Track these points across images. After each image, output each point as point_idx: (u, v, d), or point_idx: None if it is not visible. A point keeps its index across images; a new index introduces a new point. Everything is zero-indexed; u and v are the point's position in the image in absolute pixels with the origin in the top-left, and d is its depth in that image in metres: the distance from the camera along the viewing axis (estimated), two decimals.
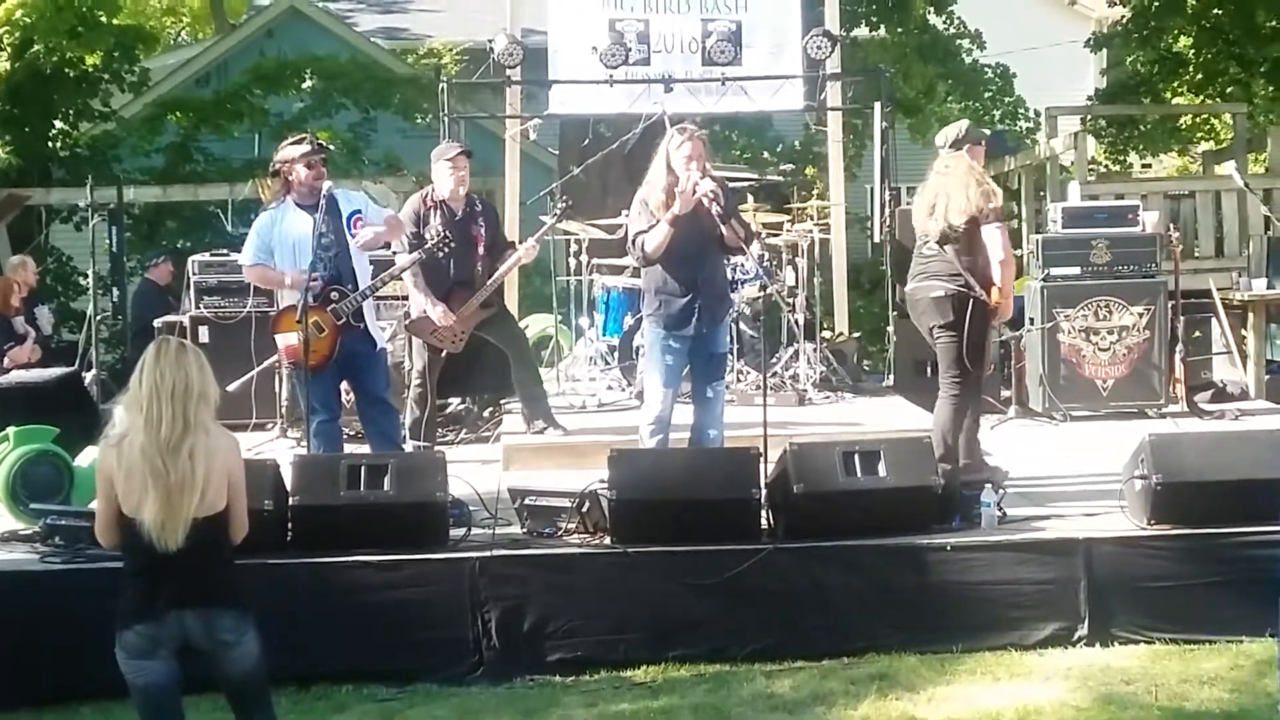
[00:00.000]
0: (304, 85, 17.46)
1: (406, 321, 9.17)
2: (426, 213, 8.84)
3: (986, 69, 19.68)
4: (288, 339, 7.61)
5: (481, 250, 8.94)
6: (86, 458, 7.59)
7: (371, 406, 7.86)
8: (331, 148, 8.03)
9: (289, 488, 6.62)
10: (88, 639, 6.17)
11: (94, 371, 11.21)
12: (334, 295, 7.61)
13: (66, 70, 16.48)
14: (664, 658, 6.38)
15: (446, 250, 8.45)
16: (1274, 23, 17.08)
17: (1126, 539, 6.67)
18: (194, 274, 10.66)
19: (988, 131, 8.14)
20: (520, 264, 9.27)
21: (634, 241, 7.45)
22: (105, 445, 4.49)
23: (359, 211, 7.76)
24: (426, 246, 8.34)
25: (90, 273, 11.70)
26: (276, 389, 10.00)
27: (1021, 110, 20.09)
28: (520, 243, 9.36)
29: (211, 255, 10.94)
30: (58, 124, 16.60)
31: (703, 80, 11.31)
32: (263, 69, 17.78)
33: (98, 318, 11.66)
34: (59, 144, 16.61)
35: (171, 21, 30.75)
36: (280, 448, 9.12)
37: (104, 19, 16.20)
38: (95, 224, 12.03)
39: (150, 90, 18.61)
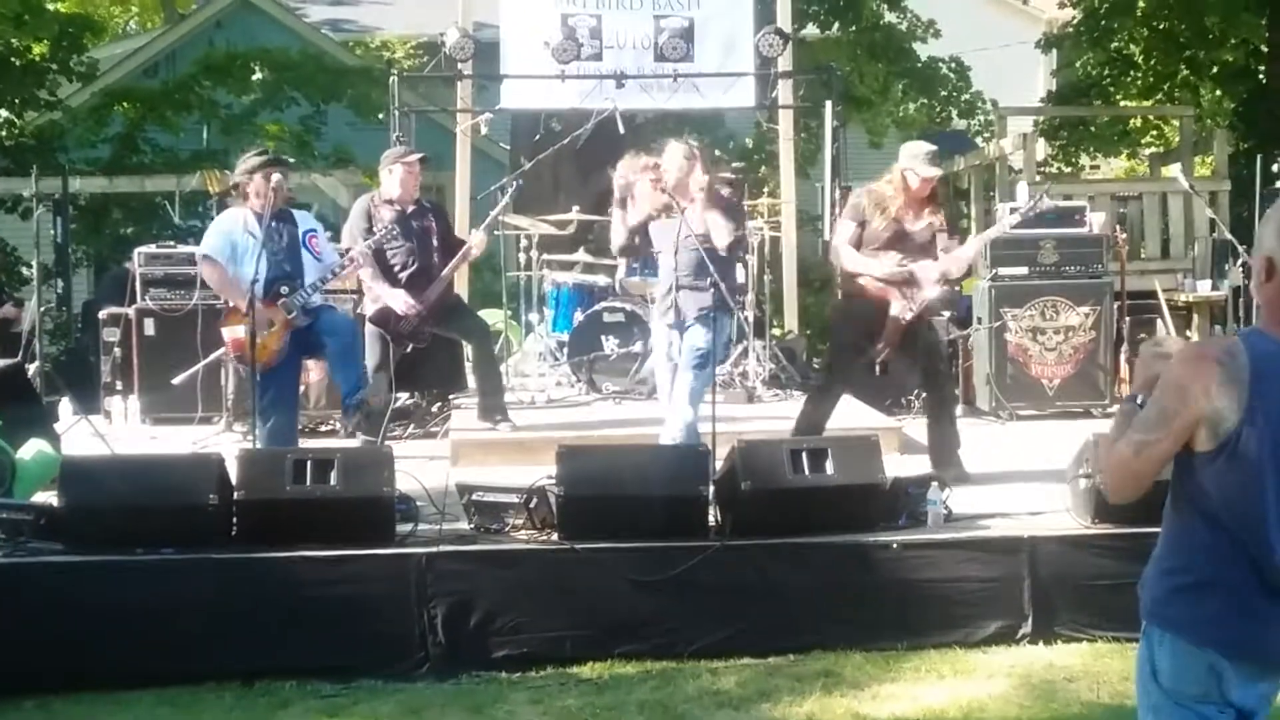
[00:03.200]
0: (254, 77, 17.32)
1: (369, 316, 9.11)
2: (376, 212, 8.84)
3: (941, 64, 19.78)
4: (234, 332, 7.58)
5: (435, 242, 8.93)
6: (29, 450, 7.51)
7: (344, 362, 8.00)
8: (290, 160, 8.19)
9: (234, 482, 6.57)
10: (29, 632, 6.14)
11: (38, 363, 11.09)
12: (283, 290, 7.61)
13: (12, 59, 16.30)
14: (611, 654, 6.37)
15: (393, 240, 8.49)
16: (1223, 26, 17.24)
17: (1070, 538, 6.71)
18: (140, 266, 10.56)
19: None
20: (471, 257, 9.24)
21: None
22: None
23: (313, 230, 7.93)
24: (375, 238, 8.36)
25: (35, 263, 11.59)
26: (222, 383, 9.92)
27: (980, 105, 20.21)
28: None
29: (158, 247, 10.84)
30: (3, 113, 16.42)
31: (655, 76, 11.32)
32: (212, 60, 17.63)
33: (42, 309, 11.54)
34: (4, 133, 16.44)
35: (120, 11, 30.45)
36: (225, 442, 9.06)
37: (49, 6, 16.03)
38: (40, 214, 11.92)
39: (97, 80, 18.43)
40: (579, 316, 10.42)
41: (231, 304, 7.74)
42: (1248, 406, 3.21)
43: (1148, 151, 20.72)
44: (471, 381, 9.62)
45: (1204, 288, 12.22)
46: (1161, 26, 17.96)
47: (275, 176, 7.72)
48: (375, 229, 8.67)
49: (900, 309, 7.72)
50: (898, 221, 7.76)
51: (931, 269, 7.73)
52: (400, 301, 8.64)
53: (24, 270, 15.40)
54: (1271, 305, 3.26)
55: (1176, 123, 17.76)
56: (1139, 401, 3.42)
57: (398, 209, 8.83)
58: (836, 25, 18.49)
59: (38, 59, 16.72)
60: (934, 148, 7.86)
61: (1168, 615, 3.36)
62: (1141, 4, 18.17)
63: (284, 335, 7.61)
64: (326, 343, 7.93)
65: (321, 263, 7.92)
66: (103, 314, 11.07)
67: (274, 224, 7.70)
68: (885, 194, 7.81)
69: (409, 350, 8.94)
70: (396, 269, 8.79)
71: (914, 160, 7.79)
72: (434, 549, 6.46)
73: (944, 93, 20.01)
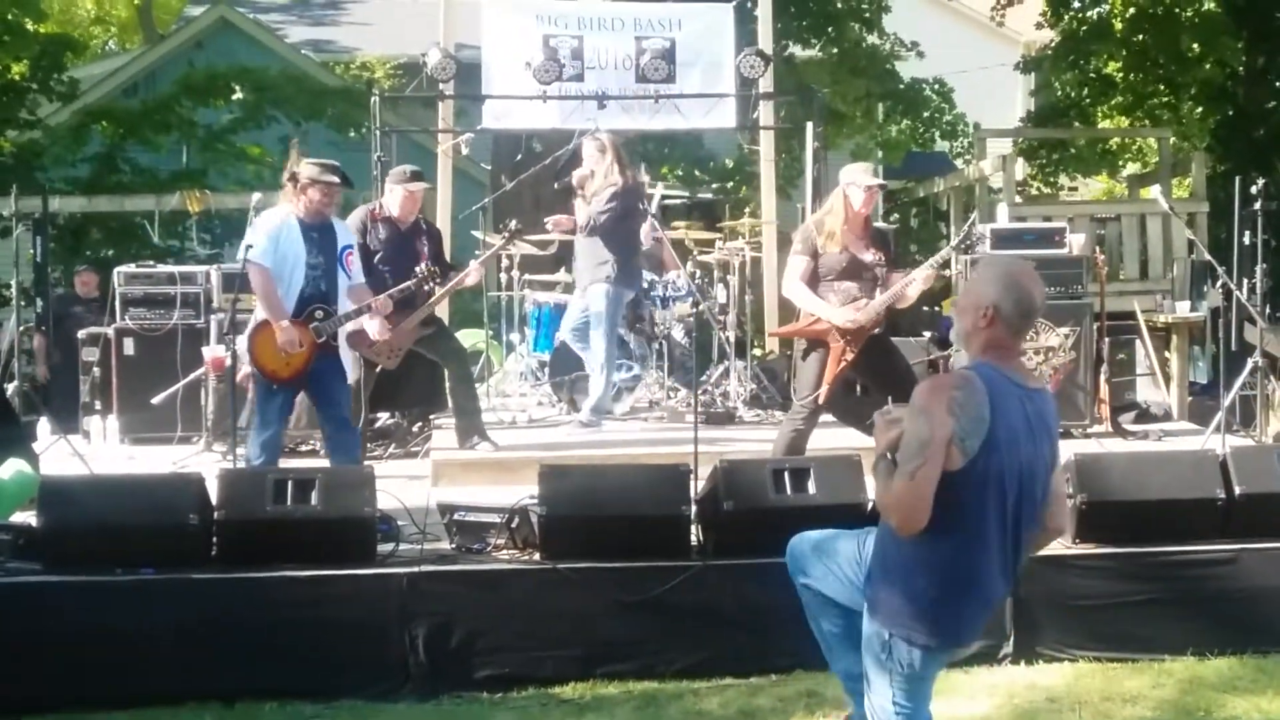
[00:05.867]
0: (234, 96, 17.30)
1: (345, 336, 9.09)
2: (374, 225, 8.88)
3: (924, 85, 19.87)
4: (215, 351, 7.56)
5: (423, 268, 8.93)
6: (7, 470, 7.47)
7: (338, 429, 7.87)
8: (351, 182, 8.05)
9: (214, 501, 6.54)
10: (6, 653, 6.10)
11: (15, 383, 11.05)
12: (318, 314, 7.63)
13: None
14: (592, 674, 6.36)
15: (433, 284, 8.50)
16: (1200, 49, 17.36)
17: (1051, 558, 6.70)
18: (119, 285, 10.53)
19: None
20: (464, 287, 9.26)
21: None
22: None
23: (350, 247, 7.88)
24: (418, 278, 8.37)
25: (14, 283, 11.54)
26: (202, 402, 9.89)
27: (962, 126, 20.30)
28: (455, 260, 9.36)
29: (137, 267, 10.80)
30: None
31: (636, 97, 11.34)
32: (192, 80, 17.60)
33: (20, 328, 11.49)
34: None
35: (100, 31, 30.41)
36: (205, 461, 9.02)
37: (29, 26, 15.99)
38: (19, 234, 11.87)
39: (77, 99, 18.38)
40: (559, 337, 10.41)
41: (262, 317, 7.64)
42: (990, 425, 3.88)
43: (1126, 173, 20.82)
44: (450, 403, 9.61)
45: (1183, 309, 12.26)
46: (1139, 47, 18.05)
47: (334, 189, 7.69)
48: (369, 242, 8.78)
49: (840, 350, 7.74)
50: (850, 251, 7.74)
51: (871, 307, 7.71)
52: (374, 328, 8.56)
53: (2, 291, 15.34)
54: (990, 345, 4.04)
55: (1154, 144, 17.85)
56: (890, 459, 4.10)
57: (393, 226, 8.93)
58: (818, 46, 18.55)
59: (17, 78, 16.66)
60: (871, 167, 7.90)
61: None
62: (1119, 26, 18.28)
63: (310, 357, 7.61)
64: (325, 415, 7.89)
65: (350, 282, 7.85)
66: (82, 334, 11.03)
67: (315, 235, 7.65)
68: (828, 220, 7.80)
69: (388, 370, 8.94)
70: (379, 291, 8.76)
71: (852, 176, 7.79)
72: (415, 569, 6.45)
73: (926, 114, 20.12)
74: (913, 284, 7.70)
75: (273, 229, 7.66)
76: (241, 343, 7.75)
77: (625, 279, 9.56)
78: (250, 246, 7.65)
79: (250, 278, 7.69)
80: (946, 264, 14.59)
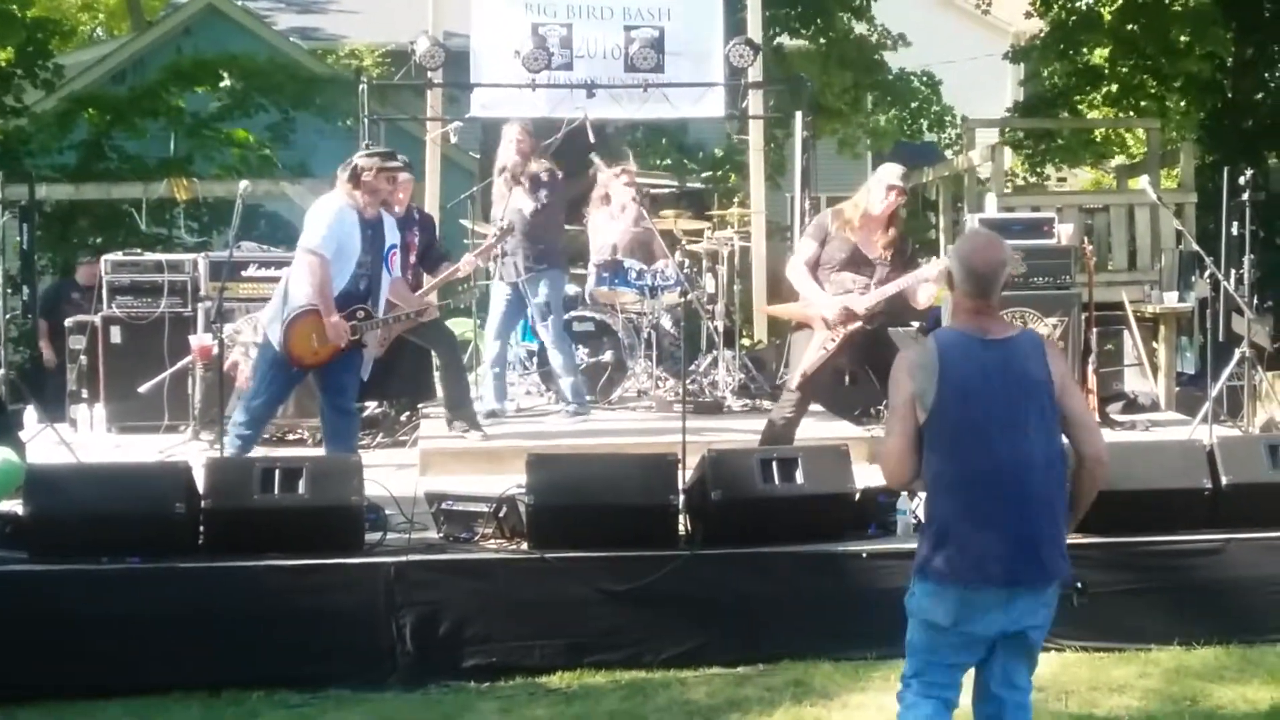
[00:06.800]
0: (222, 84, 17.22)
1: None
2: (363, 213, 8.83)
3: (913, 77, 19.86)
4: (201, 340, 7.52)
5: (413, 258, 8.93)
6: None
7: (339, 415, 7.81)
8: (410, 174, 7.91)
9: (201, 490, 6.54)
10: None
11: (3, 371, 11.00)
12: (359, 314, 7.58)
13: None
14: (580, 664, 6.36)
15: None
16: (1189, 39, 17.36)
17: None
18: (107, 273, 10.50)
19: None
20: (457, 278, 9.25)
21: None
22: None
23: (395, 247, 7.79)
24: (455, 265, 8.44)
25: (0, 270, 11.50)
26: (189, 390, 9.87)
27: (949, 118, 20.30)
28: (444, 249, 9.36)
29: (125, 254, 10.77)
30: None
31: (625, 86, 11.32)
32: (179, 67, 17.51)
33: (7, 316, 11.45)
34: None
35: (87, 17, 30.28)
36: (193, 450, 9.00)
37: (15, 11, 15.91)
38: (5, 221, 11.82)
39: (64, 86, 18.29)
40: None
41: (305, 306, 7.48)
42: (939, 379, 4.34)
43: (1114, 163, 20.82)
44: (440, 390, 9.61)
45: (1171, 299, 12.27)
46: (1127, 38, 18.04)
47: (401, 177, 7.63)
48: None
49: (823, 339, 7.73)
50: (856, 245, 7.73)
51: (860, 302, 7.69)
52: (374, 340, 8.52)
53: None
54: (957, 309, 4.53)
55: (1142, 134, 17.86)
56: None
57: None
58: (807, 36, 18.53)
59: (4, 64, 16.58)
60: (900, 170, 7.87)
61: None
62: (1108, 16, 18.27)
63: (335, 352, 7.54)
64: (329, 402, 7.82)
65: (391, 277, 7.78)
66: (69, 322, 11.00)
67: (369, 231, 7.54)
68: (848, 208, 7.83)
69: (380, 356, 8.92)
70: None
71: (880, 175, 7.82)
72: (403, 558, 6.44)
73: (914, 104, 20.11)
74: (922, 288, 7.66)
75: (332, 219, 7.47)
76: (273, 324, 7.63)
77: (565, 264, 10.02)
78: (308, 235, 7.48)
79: (305, 266, 7.45)
80: (935, 254, 14.64)
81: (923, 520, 4.65)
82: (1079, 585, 4.64)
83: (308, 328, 7.46)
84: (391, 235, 7.76)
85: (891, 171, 7.82)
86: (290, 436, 9.68)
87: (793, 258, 8.00)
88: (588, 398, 9.81)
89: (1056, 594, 4.49)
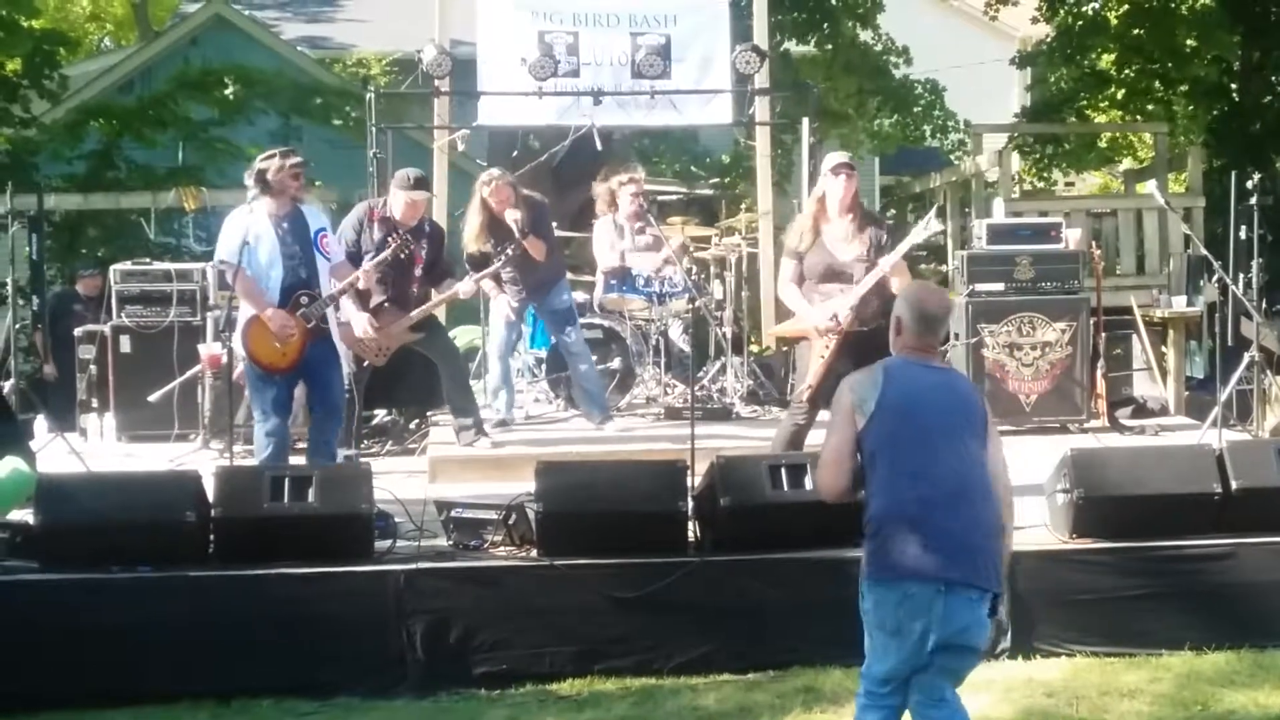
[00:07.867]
0: (228, 93, 17.25)
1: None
2: (370, 224, 8.83)
3: (916, 84, 19.87)
4: (211, 348, 7.54)
5: (419, 271, 8.92)
6: (4, 468, 7.45)
7: (327, 415, 7.85)
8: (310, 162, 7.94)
9: (211, 499, 6.54)
10: (3, 651, 6.10)
11: (13, 381, 11.03)
12: (303, 300, 7.59)
13: None
14: (590, 671, 6.37)
15: (406, 252, 8.43)
16: (1196, 43, 17.33)
17: (1049, 552, 6.74)
18: (116, 283, 10.52)
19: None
20: (457, 299, 9.26)
21: None
22: None
23: (324, 229, 7.81)
24: (394, 248, 8.28)
25: (9, 281, 11.53)
26: (199, 399, 9.88)
27: (952, 124, 20.30)
28: (451, 263, 9.38)
29: (134, 264, 10.79)
30: None
31: (632, 93, 11.31)
32: (187, 76, 17.55)
33: (16, 326, 11.48)
34: None
35: (95, 27, 30.36)
36: (203, 459, 9.01)
37: (23, 23, 15.94)
38: (15, 231, 11.85)
39: (72, 96, 18.33)
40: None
41: (248, 316, 7.58)
42: (881, 390, 4.64)
43: (1122, 168, 20.80)
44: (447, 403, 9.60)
45: (1179, 303, 12.25)
46: (1133, 42, 18.02)
47: (300, 168, 7.64)
48: (362, 241, 8.76)
49: (819, 348, 7.71)
50: (830, 252, 7.61)
51: (842, 304, 7.60)
52: (360, 324, 8.51)
53: None
54: (903, 346, 4.83)
55: (1149, 139, 17.82)
56: None
57: (392, 226, 8.77)
58: (813, 42, 18.53)
59: (11, 75, 16.61)
60: (844, 153, 7.81)
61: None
62: (1115, 21, 18.25)
63: (303, 345, 7.58)
64: (317, 398, 7.88)
65: (330, 263, 7.80)
66: (78, 331, 11.02)
67: (285, 225, 7.59)
68: (801, 218, 7.77)
69: (383, 366, 8.93)
70: (373, 290, 8.74)
71: (825, 167, 7.65)
72: (412, 566, 6.45)
73: (918, 109, 20.11)
74: (893, 282, 7.52)
75: (232, 228, 7.62)
76: (236, 341, 7.71)
77: (565, 271, 10.25)
78: (217, 249, 7.70)
79: (226, 279, 7.67)
80: (943, 260, 14.64)
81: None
82: (1000, 620, 4.87)
83: (261, 333, 7.53)
84: (315, 221, 7.78)
85: (834, 155, 7.74)
86: (300, 445, 9.67)
87: (779, 278, 7.91)
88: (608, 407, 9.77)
89: (988, 615, 4.56)
